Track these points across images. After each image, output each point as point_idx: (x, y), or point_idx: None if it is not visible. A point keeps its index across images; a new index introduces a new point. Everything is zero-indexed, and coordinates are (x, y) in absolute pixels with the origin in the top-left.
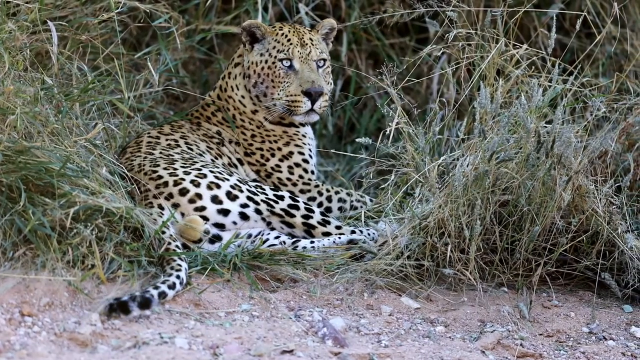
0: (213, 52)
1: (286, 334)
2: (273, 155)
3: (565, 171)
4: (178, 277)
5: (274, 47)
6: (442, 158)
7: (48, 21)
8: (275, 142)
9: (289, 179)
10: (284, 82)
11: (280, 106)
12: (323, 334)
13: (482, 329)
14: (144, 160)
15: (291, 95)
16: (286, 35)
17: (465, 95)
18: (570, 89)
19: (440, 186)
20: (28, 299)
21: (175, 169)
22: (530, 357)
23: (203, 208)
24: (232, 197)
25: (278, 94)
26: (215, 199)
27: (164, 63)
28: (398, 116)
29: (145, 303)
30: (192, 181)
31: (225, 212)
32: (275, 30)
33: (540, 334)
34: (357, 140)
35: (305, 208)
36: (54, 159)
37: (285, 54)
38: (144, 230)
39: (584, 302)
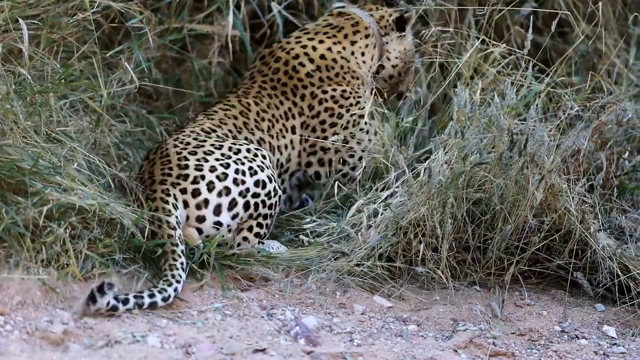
0: (185, 51)
1: (258, 332)
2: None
3: (538, 170)
4: (175, 289)
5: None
6: (414, 153)
7: (19, 19)
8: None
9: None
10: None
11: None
12: (295, 332)
13: (454, 327)
14: (185, 144)
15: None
16: None
17: (437, 95)
18: (546, 89)
19: (415, 182)
20: (0, 298)
21: (201, 165)
22: (502, 356)
23: (203, 218)
24: (230, 207)
25: (408, 81)
26: (217, 209)
27: (136, 62)
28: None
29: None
30: (208, 184)
31: (219, 224)
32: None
33: (513, 333)
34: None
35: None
36: (26, 157)
37: None
38: (123, 227)
39: (557, 300)
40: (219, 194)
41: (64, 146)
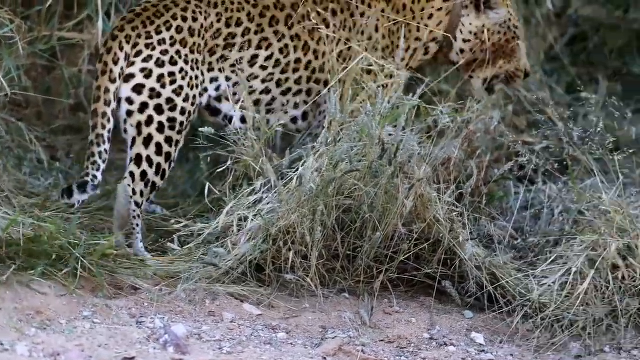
0: (55, 59)
1: (128, 341)
2: None
3: (408, 179)
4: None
5: (511, 21)
6: (285, 159)
7: None
8: None
9: None
10: (516, 57)
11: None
12: (165, 340)
13: (323, 335)
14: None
15: (519, 71)
16: (511, 7)
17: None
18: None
19: (285, 190)
20: None
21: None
22: None
23: (133, 65)
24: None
25: (503, 65)
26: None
27: (6, 70)
28: (243, 100)
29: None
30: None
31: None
32: (504, 0)
33: (382, 340)
34: (199, 129)
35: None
36: None
37: (520, 32)
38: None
39: (425, 308)
40: (143, 69)
41: None
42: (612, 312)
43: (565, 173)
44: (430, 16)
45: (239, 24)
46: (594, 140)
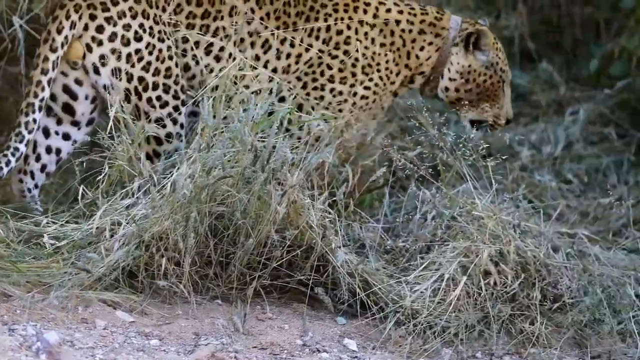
0: None
1: (0, 348)
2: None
3: (281, 186)
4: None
5: (498, 64)
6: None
7: None
8: None
9: None
10: (499, 102)
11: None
12: (37, 348)
13: (196, 341)
14: None
15: (500, 118)
16: (503, 52)
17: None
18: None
19: (158, 196)
20: None
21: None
22: None
23: (90, 49)
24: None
25: (486, 109)
26: (102, 57)
27: None
28: (113, 105)
29: None
30: (113, 33)
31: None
32: (494, 43)
33: (255, 347)
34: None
35: None
36: None
37: (507, 76)
38: None
39: (298, 314)
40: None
41: None
42: (484, 318)
43: (438, 179)
44: (422, 48)
45: (199, 3)
46: (467, 147)
